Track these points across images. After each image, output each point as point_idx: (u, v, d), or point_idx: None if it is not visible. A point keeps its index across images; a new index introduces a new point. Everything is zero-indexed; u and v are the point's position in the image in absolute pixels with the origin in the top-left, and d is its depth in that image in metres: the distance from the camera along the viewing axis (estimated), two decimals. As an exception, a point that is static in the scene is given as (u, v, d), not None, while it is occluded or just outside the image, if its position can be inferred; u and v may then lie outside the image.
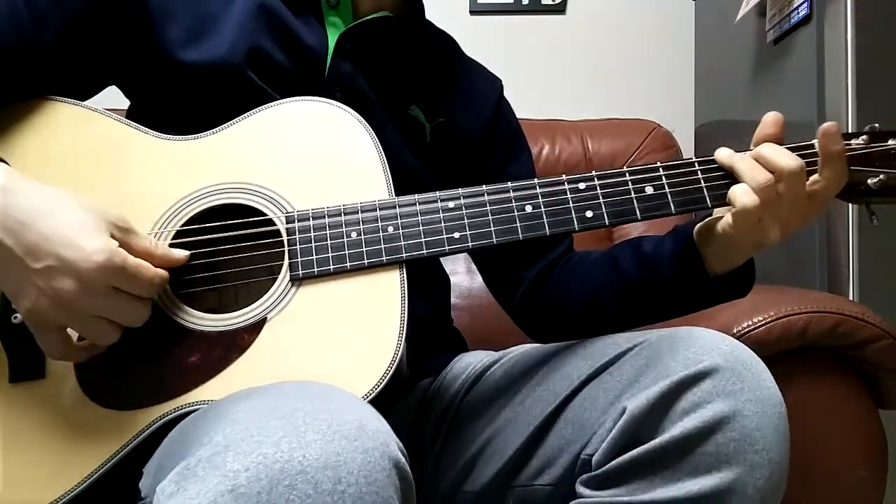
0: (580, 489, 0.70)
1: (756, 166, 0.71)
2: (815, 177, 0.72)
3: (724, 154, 0.74)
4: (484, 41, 1.94)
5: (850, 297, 1.17)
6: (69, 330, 0.65)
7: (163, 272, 0.66)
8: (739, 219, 0.71)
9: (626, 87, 1.98)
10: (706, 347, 0.68)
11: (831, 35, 1.22)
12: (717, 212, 0.77)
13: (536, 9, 1.99)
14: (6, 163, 0.71)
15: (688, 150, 1.79)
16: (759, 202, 0.70)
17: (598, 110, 1.73)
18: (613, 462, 0.67)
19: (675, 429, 0.65)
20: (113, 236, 0.64)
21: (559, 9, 1.99)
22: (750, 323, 0.97)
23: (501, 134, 0.99)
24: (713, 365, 0.66)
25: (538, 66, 1.98)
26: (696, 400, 0.65)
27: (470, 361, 0.89)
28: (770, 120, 0.75)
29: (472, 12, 1.97)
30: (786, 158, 0.70)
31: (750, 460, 0.64)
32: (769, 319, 0.97)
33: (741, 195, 0.71)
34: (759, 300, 1.01)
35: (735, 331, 0.97)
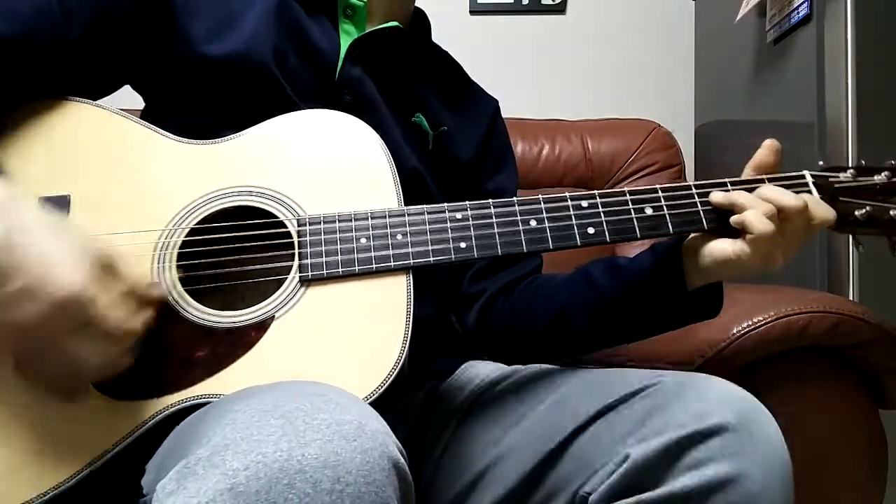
0: None
1: (758, 200, 0.73)
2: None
3: (718, 196, 0.76)
4: (484, 41, 1.94)
5: (850, 297, 1.17)
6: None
7: (132, 325, 0.62)
8: (757, 246, 0.72)
9: (626, 87, 1.98)
10: (718, 402, 0.67)
11: (831, 35, 1.22)
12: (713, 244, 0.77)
13: (536, 9, 1.99)
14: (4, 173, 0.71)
15: (688, 151, 1.79)
16: (776, 228, 0.71)
17: (598, 110, 1.74)
18: None
19: (676, 483, 0.64)
20: (95, 269, 0.61)
21: (559, 9, 1.99)
22: (750, 323, 0.97)
23: (494, 147, 1.02)
24: (723, 422, 0.65)
25: (538, 66, 1.98)
26: (701, 457, 0.65)
27: (478, 373, 0.88)
28: (769, 147, 0.79)
29: (472, 12, 1.97)
30: (790, 198, 0.73)
31: None
32: (769, 319, 0.97)
33: (759, 223, 0.72)
34: (759, 300, 1.01)
35: (735, 331, 0.97)
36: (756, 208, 0.72)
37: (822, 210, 0.75)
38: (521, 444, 0.77)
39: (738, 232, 0.74)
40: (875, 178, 0.78)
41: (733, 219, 0.74)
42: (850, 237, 0.80)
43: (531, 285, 0.94)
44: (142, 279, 0.67)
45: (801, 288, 1.10)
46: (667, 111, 1.82)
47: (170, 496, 0.50)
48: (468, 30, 1.95)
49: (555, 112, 1.71)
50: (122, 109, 0.79)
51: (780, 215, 0.72)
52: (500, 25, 1.98)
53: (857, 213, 0.77)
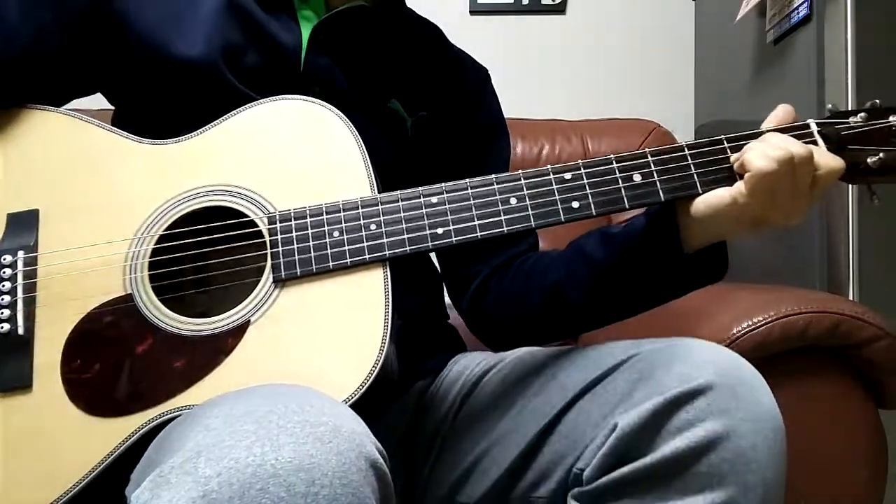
0: (571, 503, 0.69)
1: (767, 145, 0.70)
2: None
3: (735, 155, 0.72)
4: (484, 41, 1.94)
5: (850, 297, 1.17)
6: None
7: None
8: (755, 183, 0.69)
9: (626, 87, 1.98)
10: (701, 363, 0.67)
11: (831, 35, 1.22)
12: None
13: (536, 9, 1.99)
14: None
15: (688, 150, 1.79)
16: (777, 167, 0.68)
17: (598, 110, 1.74)
18: (604, 478, 0.66)
19: (667, 447, 0.64)
20: None
21: (559, 9, 1.99)
22: (750, 323, 0.97)
23: (483, 123, 0.98)
24: (707, 382, 0.65)
25: (538, 66, 1.98)
26: (689, 418, 0.64)
27: (467, 365, 0.88)
28: (781, 114, 0.75)
29: (472, 12, 1.97)
30: (796, 145, 0.69)
31: (744, 481, 0.63)
32: (769, 319, 0.97)
33: (758, 158, 0.68)
34: (759, 300, 1.01)
35: (735, 331, 0.97)
36: (758, 148, 0.69)
37: (829, 159, 0.70)
38: (512, 428, 0.77)
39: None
40: (891, 118, 0.71)
41: (734, 161, 0.70)
42: (866, 191, 0.74)
43: (525, 264, 0.91)
44: None
45: (801, 288, 1.10)
46: (667, 111, 1.82)
47: None
48: (468, 30, 1.95)
49: (555, 112, 1.71)
50: (94, 111, 0.79)
51: (795, 161, 0.68)
52: (500, 25, 1.98)
53: (869, 160, 0.70)
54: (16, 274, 0.71)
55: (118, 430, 0.66)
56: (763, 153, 0.69)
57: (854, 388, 1.00)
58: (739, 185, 0.70)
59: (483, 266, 0.92)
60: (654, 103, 1.88)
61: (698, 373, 0.66)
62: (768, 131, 0.73)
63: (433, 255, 0.99)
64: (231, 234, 0.72)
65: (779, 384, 0.82)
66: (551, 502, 0.73)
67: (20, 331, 0.69)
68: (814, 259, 1.25)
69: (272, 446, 0.50)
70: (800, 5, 1.30)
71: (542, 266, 0.88)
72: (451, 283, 0.97)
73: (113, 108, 0.90)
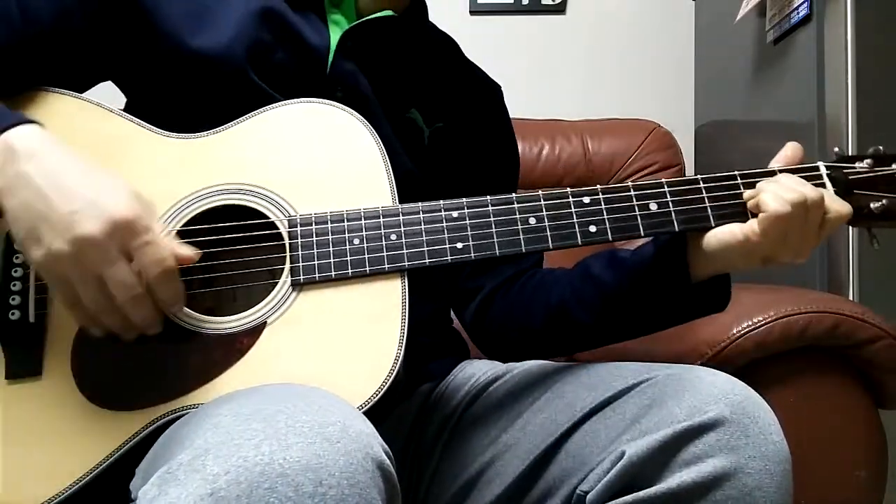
0: None
1: (781, 186, 0.72)
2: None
3: (748, 193, 0.74)
4: (484, 41, 1.94)
5: (850, 297, 1.17)
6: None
7: (183, 255, 0.65)
8: (769, 224, 0.70)
9: (626, 87, 1.98)
10: (714, 395, 0.66)
11: (831, 35, 1.22)
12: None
13: (536, 9, 1.98)
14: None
15: (688, 150, 1.79)
16: (791, 210, 0.69)
17: (598, 110, 1.73)
18: None
19: (673, 480, 0.64)
20: (144, 209, 0.64)
21: (559, 9, 1.99)
22: (750, 323, 0.97)
23: (497, 138, 0.99)
24: (719, 416, 0.65)
25: (538, 66, 1.98)
26: (698, 453, 0.64)
27: (474, 372, 0.88)
28: (790, 152, 0.77)
29: (472, 12, 1.97)
30: (809, 189, 0.71)
31: None
32: (769, 319, 0.97)
33: (773, 200, 0.70)
34: (759, 300, 1.01)
35: (735, 331, 0.97)
36: (772, 190, 0.71)
37: (838, 205, 0.72)
38: (517, 442, 0.76)
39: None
40: (894, 166, 0.74)
41: (748, 199, 0.72)
42: (866, 231, 0.76)
43: (531, 280, 0.92)
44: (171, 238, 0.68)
45: (801, 288, 1.10)
46: (667, 111, 1.82)
47: (151, 502, 0.50)
48: (468, 30, 1.95)
49: (555, 112, 1.71)
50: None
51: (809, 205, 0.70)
52: (500, 25, 1.98)
53: (872, 205, 0.74)
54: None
55: (127, 425, 0.66)
56: (777, 195, 0.70)
57: (854, 388, 1.00)
58: (752, 224, 0.72)
59: (489, 280, 0.93)
60: (654, 103, 1.88)
61: (710, 406, 0.65)
62: (780, 171, 0.75)
63: None
64: (249, 234, 0.72)
65: (779, 384, 0.82)
66: None
67: (31, 318, 0.69)
68: (814, 259, 1.25)
69: (280, 445, 0.50)
70: (800, 5, 1.30)
71: (547, 283, 0.89)
72: (456, 294, 0.97)
73: (116, 101, 0.89)
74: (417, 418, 0.87)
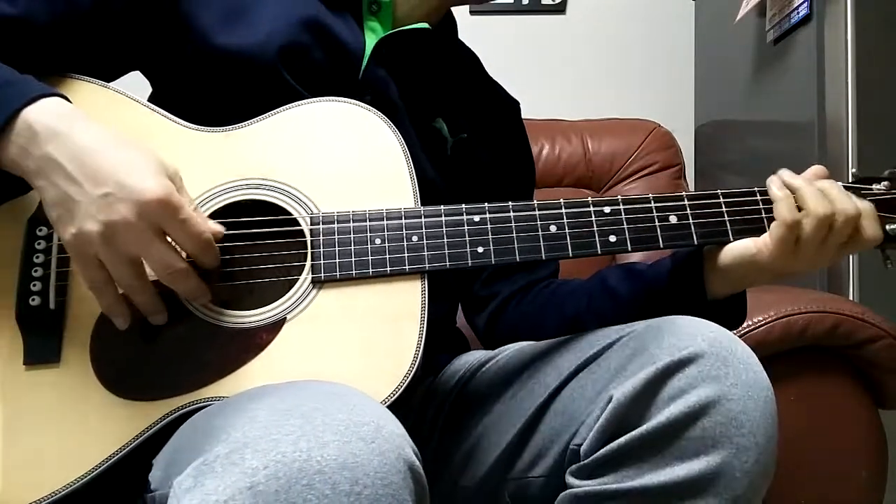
0: (569, 479, 0.69)
1: (820, 195, 0.73)
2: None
3: (783, 178, 0.75)
4: (484, 41, 1.94)
5: (850, 297, 1.17)
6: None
7: (213, 229, 0.66)
8: (780, 234, 0.72)
9: (626, 87, 1.98)
10: (690, 334, 0.68)
11: (831, 35, 1.22)
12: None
13: (536, 9, 1.99)
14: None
15: (688, 150, 1.79)
16: (800, 220, 0.71)
17: (598, 110, 1.73)
18: (601, 451, 0.67)
19: (661, 415, 0.65)
20: (175, 186, 0.64)
21: (559, 9, 1.99)
22: (750, 323, 0.97)
23: (516, 153, 1.01)
24: (697, 351, 0.66)
25: (538, 66, 1.98)
26: (682, 385, 0.65)
27: (467, 359, 0.89)
28: (813, 173, 0.77)
29: (472, 12, 1.97)
30: (847, 202, 0.72)
31: (736, 443, 0.64)
32: (769, 319, 0.97)
33: (785, 209, 0.72)
34: (759, 300, 1.01)
35: (735, 331, 0.97)
36: (812, 202, 0.72)
37: (872, 228, 0.74)
38: (508, 410, 0.78)
39: None
40: None
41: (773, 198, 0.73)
42: (879, 252, 0.78)
43: (545, 290, 0.93)
44: (199, 212, 0.68)
45: (801, 288, 1.10)
46: (667, 111, 1.82)
47: (187, 493, 0.50)
48: (468, 30, 1.94)
49: (555, 112, 1.71)
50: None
51: (831, 219, 0.72)
52: (500, 25, 1.98)
53: (888, 227, 0.75)
54: (50, 246, 0.70)
55: (144, 415, 0.66)
56: (790, 206, 0.72)
57: (854, 388, 1.00)
58: (765, 237, 0.74)
59: (504, 287, 0.94)
60: (654, 103, 1.88)
61: (689, 342, 0.67)
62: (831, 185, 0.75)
63: None
64: (272, 230, 0.72)
65: (779, 384, 0.81)
66: (547, 481, 0.74)
67: (51, 305, 0.69)
68: (814, 259, 1.25)
69: (318, 443, 0.50)
70: (800, 5, 1.30)
71: (562, 294, 0.90)
72: (469, 300, 0.98)
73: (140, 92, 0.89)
74: (417, 408, 0.88)
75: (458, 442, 0.81)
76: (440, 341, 0.93)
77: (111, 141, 0.65)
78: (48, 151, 0.63)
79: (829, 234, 0.72)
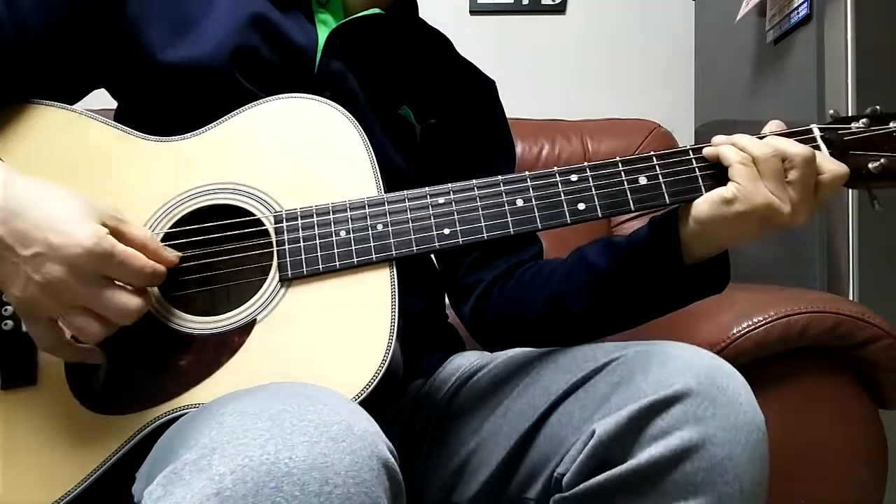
0: None
1: (755, 139, 0.71)
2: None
3: (709, 149, 0.73)
4: (484, 41, 1.94)
5: (850, 297, 1.17)
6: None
7: (156, 264, 0.65)
8: (741, 183, 0.69)
9: (626, 87, 1.98)
10: (680, 368, 0.66)
11: (831, 35, 1.22)
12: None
13: (536, 9, 1.99)
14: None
15: (688, 150, 1.79)
16: (756, 155, 0.69)
17: (598, 110, 1.73)
18: (582, 485, 0.66)
19: (643, 455, 0.64)
20: (105, 225, 0.63)
21: (559, 9, 1.99)
22: (750, 323, 0.97)
23: (491, 134, 0.98)
24: (685, 388, 0.64)
25: (538, 66, 1.98)
26: (665, 426, 0.64)
27: (461, 364, 0.88)
28: (774, 128, 0.74)
29: (472, 12, 1.97)
30: (794, 146, 0.69)
31: (719, 491, 0.63)
32: (769, 319, 0.97)
33: (730, 151, 0.70)
34: (759, 300, 1.01)
35: (735, 331, 0.97)
36: (739, 148, 0.70)
37: (832, 164, 0.70)
38: (499, 429, 0.77)
39: None
40: (891, 124, 0.73)
41: (709, 155, 0.72)
42: (866, 194, 0.74)
43: (528, 272, 0.91)
44: (151, 237, 0.67)
45: (801, 288, 1.10)
46: (667, 111, 1.82)
47: (156, 502, 0.50)
48: (468, 30, 1.95)
49: (555, 112, 1.71)
50: (96, 110, 0.78)
51: (788, 164, 0.69)
52: (500, 25, 1.98)
53: (870, 165, 0.71)
54: None
55: (123, 428, 0.66)
56: (736, 145, 0.70)
57: (854, 388, 1.00)
58: (732, 188, 0.70)
59: (486, 273, 0.93)
60: (654, 103, 1.88)
61: (676, 378, 0.65)
62: (772, 134, 0.73)
63: (434, 259, 0.99)
64: (236, 232, 0.72)
65: (779, 384, 0.82)
66: None
67: (24, 328, 0.69)
68: (814, 259, 1.25)
69: (286, 445, 0.50)
70: (800, 5, 1.30)
71: (544, 273, 0.88)
72: (454, 289, 0.97)
73: (111, 107, 0.89)
74: (410, 414, 0.87)
75: (449, 457, 0.80)
76: (428, 339, 0.92)
77: (36, 197, 0.64)
78: None
79: (782, 168, 0.69)
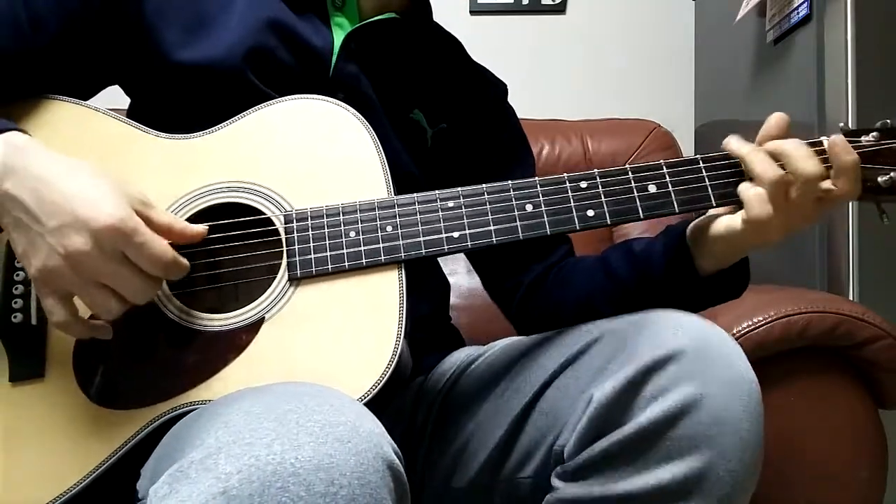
0: (554, 481, 0.69)
1: (768, 160, 0.70)
2: (827, 183, 0.70)
3: (733, 143, 0.72)
4: (484, 41, 1.93)
5: (850, 297, 1.17)
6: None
7: (178, 255, 0.65)
8: (751, 223, 0.70)
9: (626, 87, 1.98)
10: (671, 329, 0.67)
11: (831, 35, 1.22)
12: (712, 211, 0.76)
13: (536, 9, 1.99)
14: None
15: (688, 151, 1.79)
16: (773, 210, 0.69)
17: (598, 110, 1.73)
18: (584, 453, 0.66)
19: (642, 416, 0.64)
20: (132, 207, 0.64)
21: (559, 9, 1.99)
22: (750, 323, 0.97)
23: (506, 140, 0.99)
24: (678, 348, 0.65)
25: (538, 66, 1.98)
26: (662, 385, 0.64)
27: (457, 357, 0.89)
28: (774, 122, 0.73)
29: (472, 12, 1.97)
30: (808, 163, 0.69)
31: (720, 443, 0.63)
32: (769, 319, 0.97)
33: (757, 203, 0.69)
34: (759, 300, 1.01)
35: (735, 331, 0.97)
36: (758, 170, 0.69)
37: (843, 183, 0.69)
38: (495, 410, 0.77)
39: None
40: None
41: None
42: (875, 207, 0.74)
43: (562, 273, 0.92)
44: (177, 219, 0.68)
45: (801, 288, 1.10)
46: (667, 111, 1.82)
47: (162, 500, 0.50)
48: (468, 30, 1.94)
49: (555, 112, 1.71)
50: (109, 108, 0.78)
51: (792, 179, 0.69)
52: (500, 25, 1.98)
53: (879, 179, 0.71)
54: None
55: (130, 424, 0.66)
56: (761, 198, 0.69)
57: (854, 388, 1.00)
58: (736, 220, 0.71)
59: (524, 277, 0.94)
60: (654, 103, 1.88)
61: (669, 340, 0.66)
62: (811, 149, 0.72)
63: (467, 262, 1.01)
64: (246, 231, 0.72)
65: (779, 384, 0.82)
66: (536, 483, 0.73)
67: (33, 321, 0.69)
68: (814, 259, 1.25)
69: (292, 445, 0.50)
70: (800, 5, 1.30)
71: (575, 277, 0.90)
72: (497, 293, 0.98)
73: (122, 106, 0.89)
74: (410, 408, 0.88)
75: (449, 443, 0.81)
76: (430, 341, 0.93)
77: (66, 171, 0.64)
78: (6, 189, 0.63)
79: (791, 199, 0.69)
